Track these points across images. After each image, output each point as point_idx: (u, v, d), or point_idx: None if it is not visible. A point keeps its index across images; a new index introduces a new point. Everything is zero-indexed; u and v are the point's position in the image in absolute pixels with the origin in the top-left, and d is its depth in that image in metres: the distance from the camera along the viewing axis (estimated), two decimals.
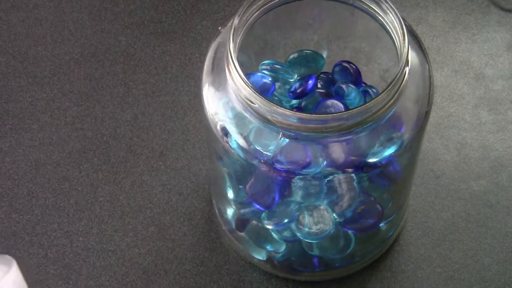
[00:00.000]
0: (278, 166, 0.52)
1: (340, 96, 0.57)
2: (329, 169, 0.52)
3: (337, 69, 0.59)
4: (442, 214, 0.65)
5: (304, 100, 0.58)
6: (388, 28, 0.53)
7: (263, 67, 0.58)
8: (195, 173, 0.67)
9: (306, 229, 0.57)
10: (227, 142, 0.53)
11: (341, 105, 0.55)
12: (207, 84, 0.54)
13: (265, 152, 0.52)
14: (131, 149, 0.68)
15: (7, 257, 0.55)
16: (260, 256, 0.62)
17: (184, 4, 0.74)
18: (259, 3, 0.54)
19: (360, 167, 0.52)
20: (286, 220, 0.57)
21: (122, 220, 0.65)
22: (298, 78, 0.59)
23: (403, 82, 0.51)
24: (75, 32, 0.73)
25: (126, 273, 0.63)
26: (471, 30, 0.72)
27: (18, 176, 0.67)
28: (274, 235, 0.60)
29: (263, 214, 0.58)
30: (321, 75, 0.60)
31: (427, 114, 0.54)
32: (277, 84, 0.58)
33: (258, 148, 0.52)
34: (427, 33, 0.72)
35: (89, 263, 0.63)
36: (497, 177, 0.66)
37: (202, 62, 0.55)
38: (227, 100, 0.53)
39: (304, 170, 0.52)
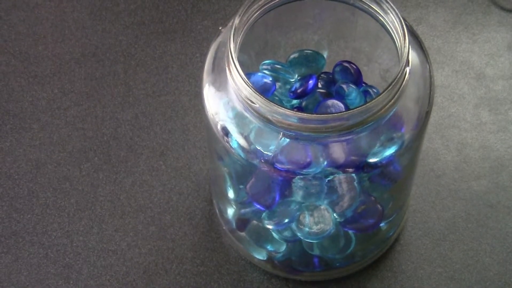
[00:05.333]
0: (278, 166, 0.52)
1: (340, 96, 0.57)
2: (329, 169, 0.52)
3: (337, 69, 0.59)
4: (442, 214, 0.65)
5: (305, 100, 0.58)
6: (389, 28, 0.53)
7: (264, 67, 0.58)
8: (195, 173, 0.67)
9: (307, 229, 0.57)
10: (228, 142, 0.53)
11: (341, 105, 0.55)
12: (207, 84, 0.54)
13: (265, 152, 0.52)
14: (132, 149, 0.68)
15: None
16: (260, 256, 0.62)
17: (185, 4, 0.74)
18: (260, 3, 0.54)
19: (361, 167, 0.52)
20: (286, 220, 0.57)
21: (122, 219, 0.65)
22: (298, 78, 0.59)
23: (404, 82, 0.51)
24: (76, 32, 0.73)
25: (127, 273, 0.63)
26: (471, 30, 0.72)
27: (19, 176, 0.67)
28: (274, 235, 0.60)
29: (264, 214, 0.58)
30: (321, 75, 0.60)
31: (427, 114, 0.54)
32: (278, 84, 0.58)
33: (258, 148, 0.52)
34: (428, 33, 0.72)
35: (89, 263, 0.63)
36: (498, 177, 0.66)
37: (203, 62, 0.56)
38: (227, 100, 0.53)
39: (304, 170, 0.52)
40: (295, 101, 0.58)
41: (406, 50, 0.51)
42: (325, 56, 0.60)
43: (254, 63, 0.58)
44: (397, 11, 0.52)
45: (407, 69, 0.51)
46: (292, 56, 0.59)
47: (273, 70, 0.58)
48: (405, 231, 0.65)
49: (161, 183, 0.66)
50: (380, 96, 0.50)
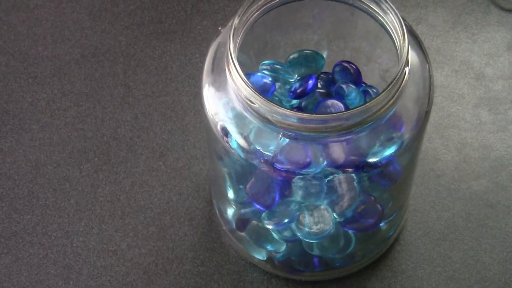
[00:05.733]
0: (278, 166, 0.52)
1: (340, 96, 0.57)
2: (329, 169, 0.52)
3: (337, 69, 0.59)
4: (442, 214, 0.65)
5: (304, 100, 0.58)
6: (388, 28, 0.53)
7: (263, 67, 0.58)
8: (195, 173, 0.67)
9: (306, 229, 0.57)
10: (227, 142, 0.53)
11: (341, 105, 0.55)
12: (207, 84, 0.54)
13: (265, 152, 0.52)
14: (132, 149, 0.68)
15: None
16: (260, 256, 0.62)
17: (184, 4, 0.74)
18: (259, 3, 0.54)
19: (360, 167, 0.52)
20: (286, 220, 0.57)
21: (122, 220, 0.65)
22: (298, 78, 0.59)
23: (403, 82, 0.51)
24: (75, 33, 0.73)
25: (127, 273, 0.63)
26: (471, 30, 0.72)
27: (19, 176, 0.67)
28: (274, 235, 0.60)
29: (263, 214, 0.58)
30: (321, 75, 0.60)
31: (427, 114, 0.54)
32: (277, 84, 0.58)
33: (258, 148, 0.52)
34: (427, 33, 0.72)
35: (89, 263, 0.63)
36: (498, 177, 0.66)
37: (202, 62, 0.56)
38: (227, 100, 0.53)
39: (304, 170, 0.52)
40: (294, 101, 0.58)
41: (406, 50, 0.51)
42: (324, 56, 0.60)
43: (254, 63, 0.58)
44: (396, 11, 0.52)
45: (407, 69, 0.51)
46: (291, 56, 0.59)
47: (272, 70, 0.58)
48: (405, 231, 0.65)
49: (161, 184, 0.66)
50: (380, 96, 0.50)
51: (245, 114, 0.52)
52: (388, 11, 0.53)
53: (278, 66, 0.58)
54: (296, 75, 0.59)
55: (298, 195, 0.55)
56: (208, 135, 0.57)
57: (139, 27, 0.73)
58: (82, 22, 0.73)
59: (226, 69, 0.52)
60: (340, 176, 0.53)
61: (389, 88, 0.50)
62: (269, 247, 0.61)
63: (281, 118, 0.50)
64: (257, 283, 0.63)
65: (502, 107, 0.69)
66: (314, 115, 0.50)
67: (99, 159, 0.67)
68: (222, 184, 0.60)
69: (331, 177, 0.53)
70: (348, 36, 0.59)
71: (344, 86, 0.57)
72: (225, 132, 0.53)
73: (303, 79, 0.58)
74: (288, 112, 0.49)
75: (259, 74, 0.57)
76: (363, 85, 0.59)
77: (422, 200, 0.65)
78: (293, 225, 0.58)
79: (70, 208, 0.65)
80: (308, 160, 0.52)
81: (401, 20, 0.52)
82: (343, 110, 0.55)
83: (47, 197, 0.66)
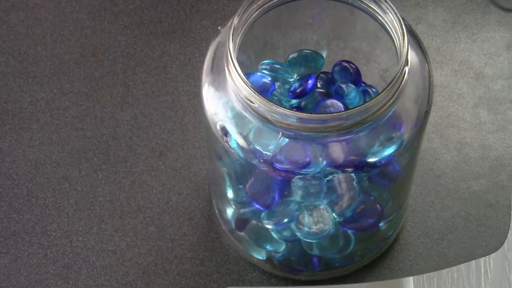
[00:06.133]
0: (277, 165, 0.52)
1: (339, 95, 0.57)
2: (328, 168, 0.52)
3: (336, 68, 0.59)
4: (442, 214, 0.65)
5: (304, 99, 0.58)
6: (388, 28, 0.53)
7: (263, 66, 0.58)
8: (195, 173, 0.67)
9: (306, 229, 0.57)
10: (227, 142, 0.53)
11: (340, 105, 0.55)
12: (206, 83, 0.54)
13: (264, 152, 0.52)
14: (131, 149, 0.68)
15: None
16: (260, 255, 0.62)
17: (184, 4, 0.74)
18: (259, 2, 0.54)
19: (360, 166, 0.52)
20: (285, 220, 0.57)
21: (121, 220, 0.65)
22: (297, 78, 0.59)
23: (403, 81, 0.51)
24: (75, 32, 0.73)
25: (126, 273, 0.63)
26: (470, 29, 0.72)
27: (18, 176, 0.67)
28: (274, 234, 0.60)
29: (263, 214, 0.58)
30: (320, 75, 0.60)
31: (426, 113, 0.54)
32: (277, 84, 0.58)
33: (257, 148, 0.52)
34: (427, 32, 0.72)
35: (88, 263, 0.63)
36: (497, 177, 0.66)
37: (202, 62, 0.55)
38: (226, 100, 0.53)
39: (303, 170, 0.52)
40: (294, 101, 0.58)
41: (405, 49, 0.51)
42: (324, 55, 0.60)
43: (253, 63, 0.58)
44: (396, 11, 0.52)
45: (406, 68, 0.51)
46: (291, 56, 0.59)
47: (272, 70, 0.58)
48: (405, 231, 0.65)
49: (161, 183, 0.66)
50: (379, 95, 0.50)
51: (245, 113, 0.52)
52: (387, 11, 0.53)
53: (278, 66, 0.58)
54: (296, 75, 0.59)
55: (297, 195, 0.55)
56: (207, 135, 0.57)
57: (138, 27, 0.73)
58: (82, 22, 0.73)
59: (226, 69, 0.52)
60: (340, 176, 0.53)
61: (388, 87, 0.50)
62: (268, 247, 0.61)
63: (281, 117, 0.50)
64: (257, 283, 0.63)
65: (502, 107, 0.69)
66: (314, 114, 0.50)
67: (99, 159, 0.67)
68: (222, 183, 0.60)
69: (330, 177, 0.53)
70: (347, 36, 0.59)
71: (343, 86, 0.57)
72: (225, 132, 0.53)
73: (303, 78, 0.58)
74: (287, 111, 0.49)
75: (259, 73, 0.57)
76: (363, 84, 0.59)
77: (422, 200, 0.65)
78: (292, 225, 0.58)
79: (70, 207, 0.65)
80: (307, 160, 0.52)
81: (401, 20, 0.52)
82: (343, 110, 0.55)
83: (47, 196, 0.66)
